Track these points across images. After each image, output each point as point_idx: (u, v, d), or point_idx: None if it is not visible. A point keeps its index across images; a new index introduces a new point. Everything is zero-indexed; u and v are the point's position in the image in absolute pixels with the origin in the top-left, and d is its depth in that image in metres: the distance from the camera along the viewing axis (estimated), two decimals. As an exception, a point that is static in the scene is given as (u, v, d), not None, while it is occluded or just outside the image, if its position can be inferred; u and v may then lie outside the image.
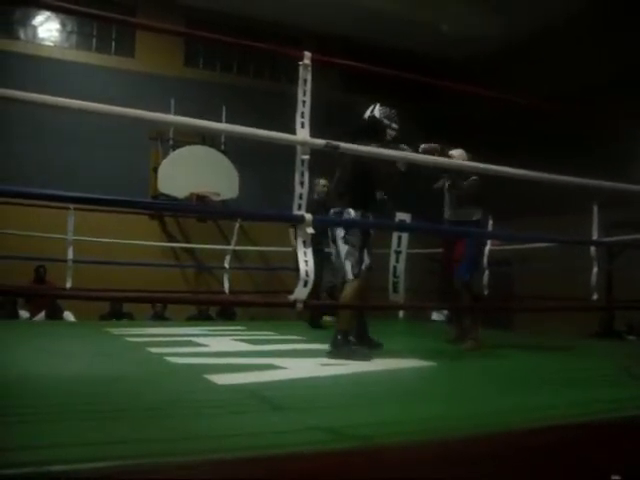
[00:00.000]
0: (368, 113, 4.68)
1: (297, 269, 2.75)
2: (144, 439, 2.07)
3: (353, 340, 4.66)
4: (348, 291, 4.49)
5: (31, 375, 3.43)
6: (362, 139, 4.02)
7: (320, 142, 2.82)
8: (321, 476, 1.96)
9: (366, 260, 4.63)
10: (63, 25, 11.64)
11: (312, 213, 6.55)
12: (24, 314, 8.85)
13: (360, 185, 4.54)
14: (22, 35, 11.34)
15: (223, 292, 8.47)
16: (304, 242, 2.74)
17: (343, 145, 2.85)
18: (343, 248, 4.51)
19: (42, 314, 8.79)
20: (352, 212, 4.48)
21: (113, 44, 11.87)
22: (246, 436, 2.16)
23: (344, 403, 2.86)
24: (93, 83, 10.49)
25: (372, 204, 4.67)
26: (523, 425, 2.39)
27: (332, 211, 4.61)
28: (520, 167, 3.61)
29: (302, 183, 2.80)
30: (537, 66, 11.10)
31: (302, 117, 2.82)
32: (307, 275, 2.68)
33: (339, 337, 4.42)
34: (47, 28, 11.54)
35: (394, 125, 4.62)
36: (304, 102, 2.84)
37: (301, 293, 2.68)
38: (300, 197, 2.80)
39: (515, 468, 2.18)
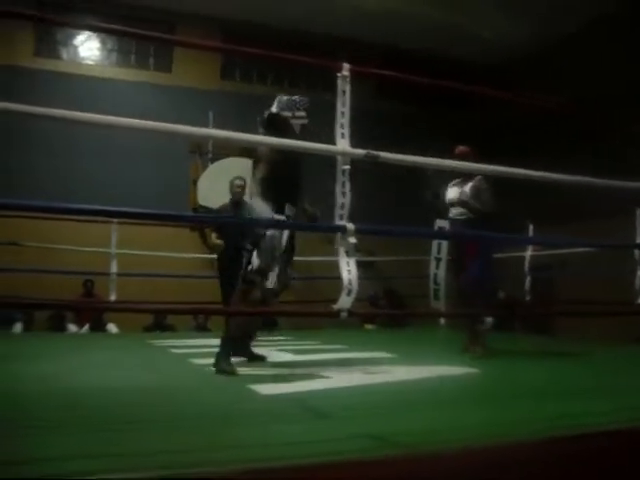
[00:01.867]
0: (266, 110, 4.37)
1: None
2: (190, 449, 2.09)
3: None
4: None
5: (79, 386, 3.50)
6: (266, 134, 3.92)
7: (360, 152, 2.84)
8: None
9: (255, 263, 4.16)
10: (103, 43, 11.90)
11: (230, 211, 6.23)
12: (72, 327, 9.03)
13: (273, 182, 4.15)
14: (64, 55, 11.62)
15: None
16: (347, 252, 2.76)
17: (383, 155, 2.86)
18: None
19: (86, 327, 8.95)
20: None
21: (151, 60, 12.08)
22: (291, 445, 2.18)
23: (389, 411, 2.86)
24: (132, 99, 10.69)
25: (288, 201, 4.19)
26: (565, 432, 2.36)
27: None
28: (557, 171, 3.58)
29: (344, 193, 2.81)
30: (569, 70, 10.99)
31: (342, 128, 2.84)
32: (350, 284, 2.70)
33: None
34: (88, 47, 11.81)
35: (299, 113, 4.25)
36: (343, 113, 2.87)
37: (345, 302, 2.70)
38: (342, 207, 2.82)
39: (561, 475, 2.16)
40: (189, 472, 1.82)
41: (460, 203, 5.38)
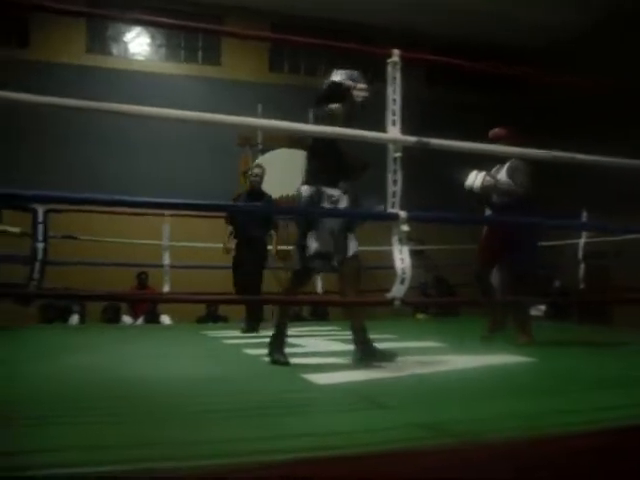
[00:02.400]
0: (326, 81, 4.17)
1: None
2: (250, 438, 2.11)
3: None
4: (286, 283, 4.12)
5: (136, 377, 3.56)
6: (322, 104, 3.85)
7: (411, 139, 2.81)
8: (425, 473, 1.96)
9: (312, 246, 3.90)
10: (152, 39, 12.06)
11: (246, 200, 6.13)
12: (127, 319, 9.20)
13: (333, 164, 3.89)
14: (115, 51, 11.82)
15: (316, 293, 8.54)
16: (399, 240, 2.74)
17: (434, 141, 2.83)
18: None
19: (140, 318, 9.11)
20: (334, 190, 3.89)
21: (200, 54, 12.19)
22: (350, 434, 2.18)
23: (440, 400, 2.84)
24: (182, 93, 10.81)
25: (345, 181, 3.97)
26: (614, 423, 2.31)
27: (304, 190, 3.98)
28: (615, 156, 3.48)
29: (395, 181, 2.80)
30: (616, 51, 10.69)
31: (393, 115, 2.82)
32: (404, 272, 2.68)
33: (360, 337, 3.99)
34: (138, 43, 12.00)
35: (361, 85, 3.97)
36: (394, 100, 2.85)
37: (399, 291, 2.68)
38: (394, 195, 2.80)
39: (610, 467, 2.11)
40: (248, 461, 1.84)
41: (486, 189, 5.19)
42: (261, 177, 6.62)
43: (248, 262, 6.45)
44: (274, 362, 3.93)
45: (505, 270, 5.34)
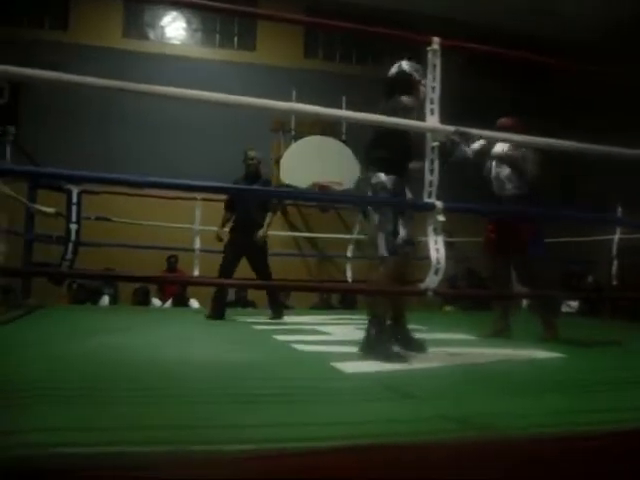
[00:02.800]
0: (394, 70, 4.03)
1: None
2: (278, 423, 2.12)
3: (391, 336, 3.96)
4: (382, 272, 3.76)
5: (163, 360, 3.59)
6: (394, 95, 3.71)
7: (450, 129, 2.78)
8: (447, 465, 1.94)
9: (402, 233, 3.76)
10: (188, 23, 12.08)
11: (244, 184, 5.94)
12: (156, 302, 9.28)
13: (394, 149, 3.75)
14: (151, 35, 11.87)
15: (345, 281, 8.54)
16: (435, 229, 2.71)
17: (473, 132, 2.79)
18: (374, 218, 3.80)
19: (169, 301, 9.18)
20: (383, 177, 3.77)
21: (235, 39, 12.19)
22: (374, 423, 2.18)
23: (468, 393, 2.82)
24: (217, 77, 10.80)
25: (405, 172, 3.85)
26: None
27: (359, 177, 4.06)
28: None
29: (432, 170, 2.77)
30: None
31: (432, 104, 2.79)
32: (438, 263, 2.66)
33: (373, 331, 3.75)
34: (174, 27, 12.03)
35: (424, 81, 3.66)
36: (433, 88, 2.81)
37: (432, 281, 2.66)
38: (430, 184, 2.77)
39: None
40: (276, 447, 1.83)
41: (504, 158, 5.12)
42: (258, 161, 6.62)
43: (251, 247, 6.42)
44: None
45: (521, 264, 5.22)
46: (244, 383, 2.93)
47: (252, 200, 6.43)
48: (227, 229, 6.67)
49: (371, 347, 3.70)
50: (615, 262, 8.32)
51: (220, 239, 6.67)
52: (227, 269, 6.39)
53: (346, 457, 1.85)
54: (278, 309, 6.54)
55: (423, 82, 3.66)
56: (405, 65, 3.93)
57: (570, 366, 3.88)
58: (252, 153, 6.59)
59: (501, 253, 5.20)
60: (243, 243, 6.40)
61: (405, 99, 3.71)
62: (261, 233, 6.44)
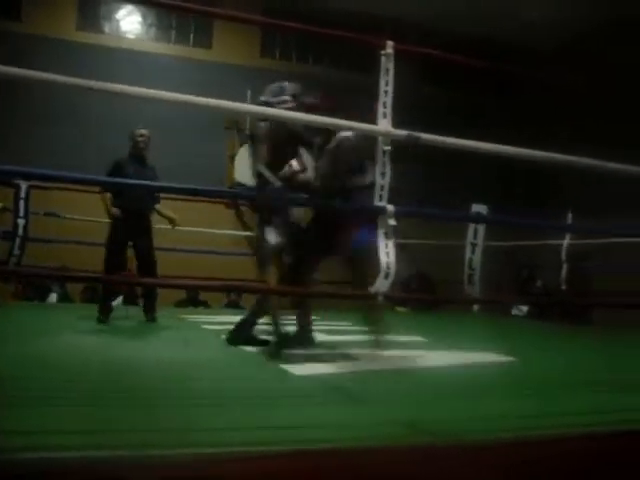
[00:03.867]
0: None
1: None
2: (222, 427, 2.10)
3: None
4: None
5: (114, 360, 3.53)
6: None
7: (402, 133, 2.78)
8: (397, 471, 1.94)
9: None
10: (144, 18, 11.94)
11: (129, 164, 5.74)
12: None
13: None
14: (106, 29, 11.69)
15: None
16: (385, 234, 2.72)
17: (424, 136, 2.80)
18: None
19: (119, 299, 9.02)
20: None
21: (191, 36, 12.09)
22: (325, 428, 2.17)
23: (420, 397, 2.83)
24: (172, 74, 10.71)
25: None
26: (601, 428, 2.30)
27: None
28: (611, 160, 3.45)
29: (383, 174, 2.77)
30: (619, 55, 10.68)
31: (384, 107, 2.79)
32: (388, 267, 2.66)
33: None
34: (129, 21, 11.88)
35: (283, 98, 4.15)
36: (386, 92, 2.81)
37: (382, 285, 2.66)
38: (382, 188, 2.77)
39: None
40: (221, 451, 1.81)
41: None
42: (147, 139, 6.14)
43: (139, 237, 5.99)
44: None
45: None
46: (191, 384, 2.89)
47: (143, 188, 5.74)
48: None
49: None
50: (564, 266, 8.46)
51: (114, 215, 5.98)
52: (115, 259, 5.99)
53: (297, 462, 1.84)
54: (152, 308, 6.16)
55: (283, 98, 4.13)
56: (263, 96, 4.25)
57: (521, 369, 3.93)
58: (142, 131, 6.09)
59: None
60: (130, 231, 5.96)
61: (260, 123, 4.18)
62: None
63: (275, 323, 4.03)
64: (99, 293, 8.68)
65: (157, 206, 6.26)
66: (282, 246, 4.14)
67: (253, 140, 4.41)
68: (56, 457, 1.68)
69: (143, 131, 6.05)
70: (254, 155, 4.35)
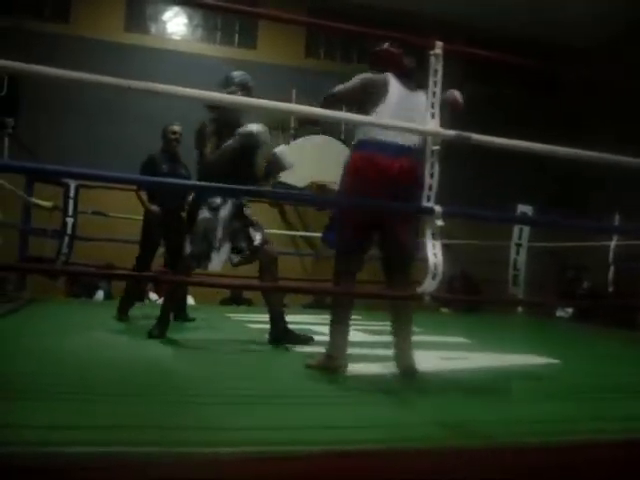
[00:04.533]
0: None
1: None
2: (270, 426, 2.11)
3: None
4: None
5: (151, 357, 3.58)
6: None
7: (451, 133, 2.77)
8: (442, 472, 1.93)
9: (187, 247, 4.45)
10: (190, 19, 12.06)
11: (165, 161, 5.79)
12: (153, 296, 9.24)
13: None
14: (153, 30, 11.85)
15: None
16: (433, 234, 2.71)
17: (475, 136, 2.78)
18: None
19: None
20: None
21: (236, 36, 12.18)
22: (361, 428, 2.17)
23: (465, 398, 2.82)
24: (217, 75, 10.75)
25: None
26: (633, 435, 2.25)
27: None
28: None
29: (432, 174, 2.76)
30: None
31: (432, 107, 2.78)
32: (436, 268, 2.65)
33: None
34: (175, 23, 12.01)
35: (229, 89, 4.58)
36: (434, 93, 2.80)
37: (430, 286, 2.65)
38: (430, 188, 2.76)
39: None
40: (270, 450, 1.82)
41: None
42: (180, 136, 6.02)
43: (173, 234, 5.66)
44: None
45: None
46: (234, 384, 2.92)
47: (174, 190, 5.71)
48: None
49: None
50: (612, 268, 8.31)
51: (154, 213, 5.87)
52: (148, 256, 5.99)
53: (334, 462, 1.84)
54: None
55: (227, 90, 4.52)
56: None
57: (561, 373, 3.88)
58: (174, 127, 6.00)
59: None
60: (164, 228, 5.84)
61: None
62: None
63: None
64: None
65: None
66: None
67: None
68: (67, 452, 1.71)
69: (176, 127, 5.98)
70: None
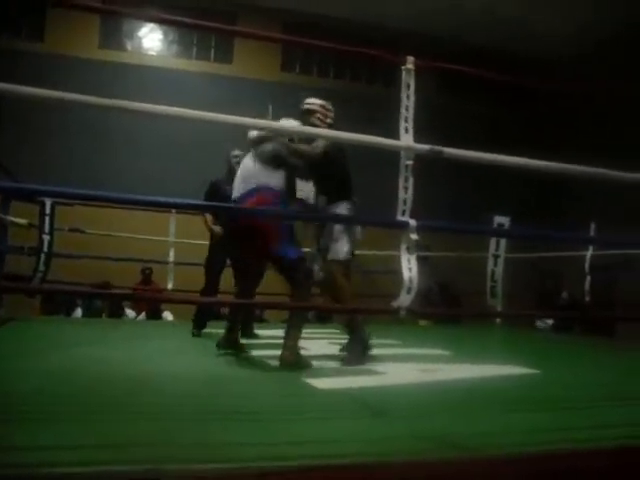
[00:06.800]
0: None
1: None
2: (248, 443, 2.10)
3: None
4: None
5: (135, 375, 3.55)
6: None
7: (424, 147, 2.79)
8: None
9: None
10: (165, 35, 12.09)
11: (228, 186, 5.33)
12: (130, 313, 9.20)
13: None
14: (129, 46, 11.86)
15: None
16: (408, 248, 2.72)
17: (447, 150, 2.81)
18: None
19: (143, 314, 9.12)
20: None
21: (212, 51, 12.21)
22: (348, 442, 2.17)
23: (445, 411, 2.82)
24: (193, 89, 10.82)
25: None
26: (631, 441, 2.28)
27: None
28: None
29: (406, 188, 2.78)
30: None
31: (406, 122, 2.80)
32: (411, 282, 2.66)
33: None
34: (151, 38, 12.04)
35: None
36: (407, 107, 2.83)
37: (405, 300, 2.66)
38: (404, 202, 2.78)
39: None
40: (247, 466, 1.82)
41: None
42: (241, 159, 6.05)
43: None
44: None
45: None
46: (216, 400, 2.91)
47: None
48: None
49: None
50: (588, 278, 8.39)
51: (217, 234, 6.00)
52: (215, 277, 6.19)
53: (317, 476, 1.84)
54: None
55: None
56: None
57: (543, 382, 3.90)
58: (236, 152, 5.97)
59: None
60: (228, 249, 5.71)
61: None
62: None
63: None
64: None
65: None
66: None
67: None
68: (71, 472, 1.70)
69: (237, 152, 5.96)
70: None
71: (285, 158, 4.23)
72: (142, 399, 2.82)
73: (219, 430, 2.25)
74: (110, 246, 8.59)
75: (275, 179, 4.22)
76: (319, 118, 4.49)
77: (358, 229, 4.50)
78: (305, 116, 4.49)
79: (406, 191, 2.79)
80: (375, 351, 4.55)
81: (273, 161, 4.25)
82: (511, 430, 2.42)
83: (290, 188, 4.35)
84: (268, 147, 4.32)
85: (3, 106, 9.28)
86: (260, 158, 4.32)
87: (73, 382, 3.17)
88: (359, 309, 3.37)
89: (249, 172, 4.34)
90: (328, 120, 4.53)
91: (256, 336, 5.96)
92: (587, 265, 8.26)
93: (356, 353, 4.25)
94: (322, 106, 4.59)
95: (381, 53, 2.96)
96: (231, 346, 4.68)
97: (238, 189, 4.35)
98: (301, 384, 3.35)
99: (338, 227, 4.35)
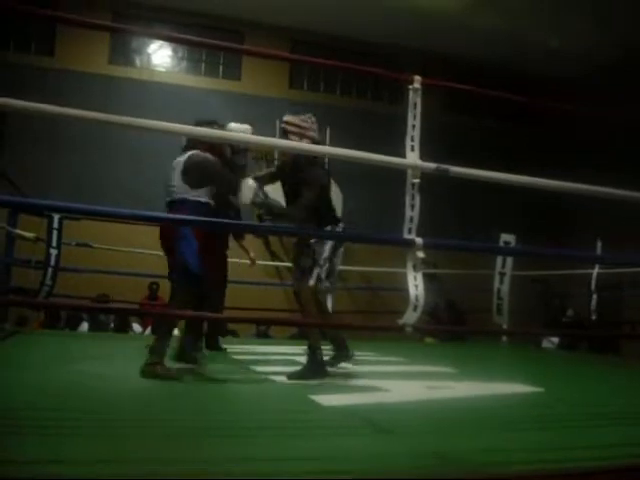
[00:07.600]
0: None
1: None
2: (250, 458, 2.10)
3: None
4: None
5: (140, 389, 3.56)
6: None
7: (430, 166, 2.81)
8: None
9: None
10: (174, 52, 12.19)
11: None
12: (137, 327, 9.20)
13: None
14: (138, 62, 11.96)
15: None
16: (414, 266, 2.73)
17: (453, 169, 2.83)
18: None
19: (149, 328, 9.11)
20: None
21: (221, 68, 12.30)
22: (351, 459, 2.17)
23: (450, 428, 2.81)
24: (202, 106, 10.87)
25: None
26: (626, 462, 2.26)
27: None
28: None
29: (412, 206, 2.79)
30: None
31: (412, 140, 2.82)
32: (417, 300, 2.67)
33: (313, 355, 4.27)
34: (160, 55, 12.14)
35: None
36: (414, 126, 2.85)
37: (411, 317, 2.67)
38: (410, 220, 2.80)
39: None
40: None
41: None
42: None
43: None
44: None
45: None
46: (219, 416, 2.91)
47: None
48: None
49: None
50: (594, 296, 8.37)
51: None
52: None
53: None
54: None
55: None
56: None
57: (547, 401, 3.89)
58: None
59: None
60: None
61: None
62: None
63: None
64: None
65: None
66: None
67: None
68: None
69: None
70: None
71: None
72: (142, 415, 2.83)
73: (221, 446, 2.26)
74: (117, 260, 8.62)
75: None
76: (296, 138, 4.27)
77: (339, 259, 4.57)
78: (283, 136, 4.35)
79: (412, 209, 2.81)
80: (380, 368, 4.54)
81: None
82: (515, 448, 2.41)
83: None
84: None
85: (11, 119, 9.37)
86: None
87: (69, 397, 3.17)
88: (366, 326, 3.37)
89: None
90: (310, 133, 4.31)
91: (221, 349, 5.95)
92: (593, 283, 8.25)
93: (308, 370, 4.20)
94: (297, 125, 4.32)
95: (388, 72, 2.98)
96: (186, 360, 4.57)
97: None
98: (306, 400, 3.34)
99: (324, 254, 4.36)
